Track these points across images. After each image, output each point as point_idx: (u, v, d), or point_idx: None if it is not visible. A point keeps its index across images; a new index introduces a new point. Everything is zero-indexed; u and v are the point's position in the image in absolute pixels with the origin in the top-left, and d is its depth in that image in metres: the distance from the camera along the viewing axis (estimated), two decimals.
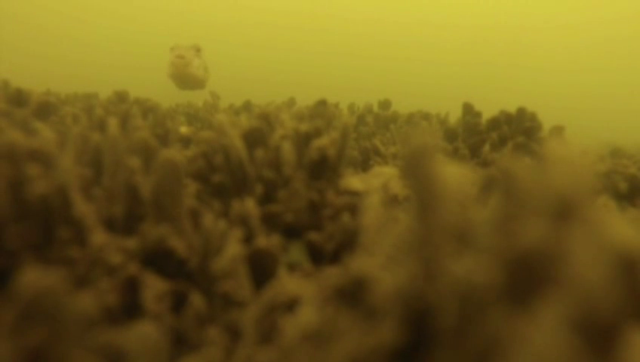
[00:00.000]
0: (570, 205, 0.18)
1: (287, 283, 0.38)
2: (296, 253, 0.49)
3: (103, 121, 0.70)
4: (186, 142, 0.99)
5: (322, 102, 1.09)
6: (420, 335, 0.22)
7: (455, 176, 0.22)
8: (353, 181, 0.55)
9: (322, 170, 0.55)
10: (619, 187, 1.01)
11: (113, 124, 0.48)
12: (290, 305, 0.36)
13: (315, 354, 0.24)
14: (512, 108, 1.19)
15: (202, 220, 0.41)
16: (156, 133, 0.86)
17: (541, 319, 0.17)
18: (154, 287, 0.39)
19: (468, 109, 1.26)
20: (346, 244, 0.50)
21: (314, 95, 1.22)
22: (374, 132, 1.45)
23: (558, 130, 1.21)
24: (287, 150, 0.54)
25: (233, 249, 0.39)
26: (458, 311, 0.20)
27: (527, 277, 0.19)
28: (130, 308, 0.38)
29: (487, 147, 1.14)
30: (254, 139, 0.55)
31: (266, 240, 0.44)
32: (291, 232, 0.52)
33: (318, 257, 0.50)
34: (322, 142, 0.55)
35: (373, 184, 0.54)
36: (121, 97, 1.38)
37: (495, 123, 1.18)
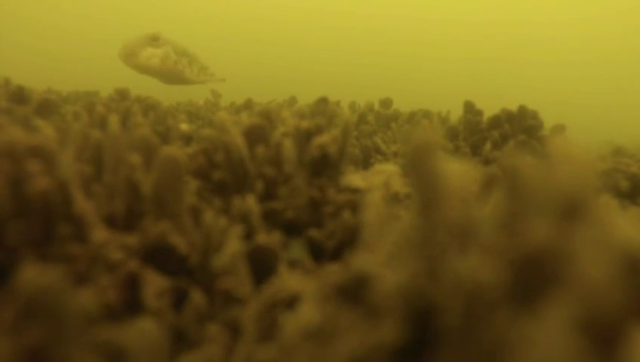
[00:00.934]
0: (576, 204, 0.18)
1: (288, 281, 0.38)
2: (297, 250, 0.49)
3: (104, 118, 0.69)
4: (186, 139, 0.99)
5: (323, 100, 1.09)
6: (422, 334, 0.22)
7: (457, 173, 0.22)
8: (354, 178, 0.55)
9: (323, 167, 0.54)
10: (620, 186, 1.01)
11: (114, 121, 0.48)
12: (291, 303, 0.36)
13: (315, 352, 0.24)
14: (514, 105, 1.19)
15: (203, 217, 0.41)
16: (157, 131, 0.86)
17: (547, 319, 0.17)
18: (154, 284, 0.39)
19: (469, 107, 1.25)
20: (347, 242, 0.50)
21: (315, 93, 1.21)
22: (375, 130, 1.44)
23: (559, 129, 1.21)
24: (288, 147, 0.54)
25: (234, 246, 0.39)
26: (462, 310, 0.20)
27: (533, 277, 0.18)
28: (130, 305, 0.38)
29: (488, 145, 1.14)
30: (255, 136, 0.55)
31: (267, 237, 0.44)
32: (292, 229, 0.52)
33: (319, 254, 0.50)
34: (323, 139, 0.55)
35: (375, 181, 0.54)
36: (122, 95, 1.38)
37: (496, 121, 1.18)
